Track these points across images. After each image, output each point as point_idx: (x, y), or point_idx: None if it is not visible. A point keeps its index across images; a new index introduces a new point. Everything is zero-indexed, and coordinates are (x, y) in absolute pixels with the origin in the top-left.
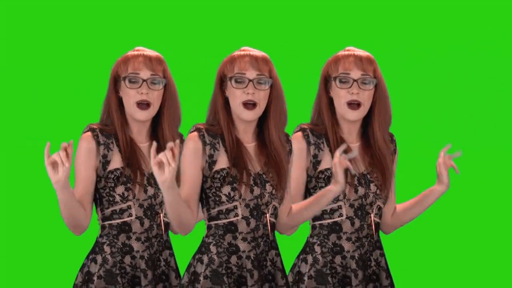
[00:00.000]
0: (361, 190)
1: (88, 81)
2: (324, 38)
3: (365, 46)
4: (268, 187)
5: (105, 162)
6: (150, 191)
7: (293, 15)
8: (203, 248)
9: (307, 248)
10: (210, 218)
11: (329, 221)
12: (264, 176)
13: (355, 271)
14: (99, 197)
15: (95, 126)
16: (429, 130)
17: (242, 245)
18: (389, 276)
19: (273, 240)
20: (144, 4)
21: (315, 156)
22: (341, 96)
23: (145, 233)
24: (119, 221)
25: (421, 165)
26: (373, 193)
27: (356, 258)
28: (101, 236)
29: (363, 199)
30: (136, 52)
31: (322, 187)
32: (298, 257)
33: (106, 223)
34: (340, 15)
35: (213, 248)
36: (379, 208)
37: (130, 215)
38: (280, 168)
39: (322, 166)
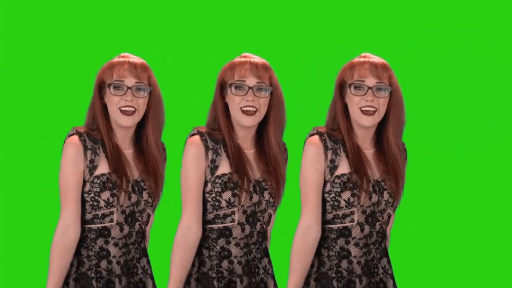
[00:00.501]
0: (374, 197)
1: (76, 83)
2: (327, 42)
3: (367, 49)
4: (266, 194)
5: (92, 167)
6: (134, 198)
7: (294, 19)
8: (196, 251)
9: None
10: (205, 222)
11: (339, 225)
12: (263, 183)
13: (360, 276)
14: (82, 201)
15: (81, 130)
16: (434, 135)
17: (235, 250)
18: (395, 285)
19: (265, 248)
20: (140, 8)
21: (332, 161)
22: (355, 102)
23: (124, 239)
24: (99, 225)
25: (425, 169)
26: (385, 200)
27: (362, 263)
28: (79, 239)
29: (376, 206)
30: (121, 59)
31: (337, 192)
32: None
33: (85, 226)
34: (342, 18)
35: (204, 251)
36: (389, 216)
37: (111, 220)
38: (279, 175)
39: (338, 171)
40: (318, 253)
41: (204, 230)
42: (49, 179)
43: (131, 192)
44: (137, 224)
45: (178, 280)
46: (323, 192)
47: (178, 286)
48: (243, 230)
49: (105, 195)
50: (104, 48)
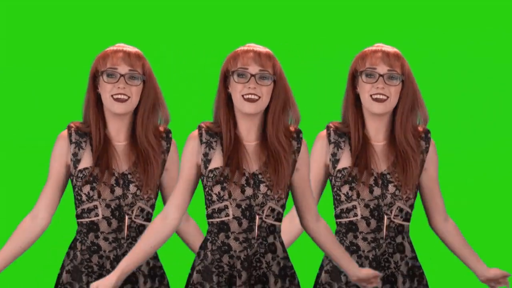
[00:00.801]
0: (377, 191)
1: (74, 82)
2: (332, 36)
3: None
4: (262, 187)
5: (76, 160)
6: (118, 191)
7: (304, 13)
8: (203, 243)
9: None
10: (207, 216)
11: (346, 220)
12: (260, 176)
13: None
14: (74, 196)
15: (72, 125)
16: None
17: (234, 245)
18: (408, 281)
19: (272, 243)
20: (143, 4)
21: (334, 154)
22: (366, 90)
23: (113, 233)
24: (87, 220)
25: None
26: (391, 194)
27: (370, 258)
28: (76, 232)
29: (380, 200)
30: (115, 48)
31: (338, 186)
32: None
33: (78, 220)
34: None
35: (209, 245)
36: (401, 210)
37: (97, 214)
38: (278, 166)
39: (340, 165)
40: None
41: (208, 224)
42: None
43: (114, 185)
44: (127, 218)
45: (128, 260)
46: (330, 186)
47: (125, 267)
48: (240, 224)
49: (86, 188)
50: (105, 47)
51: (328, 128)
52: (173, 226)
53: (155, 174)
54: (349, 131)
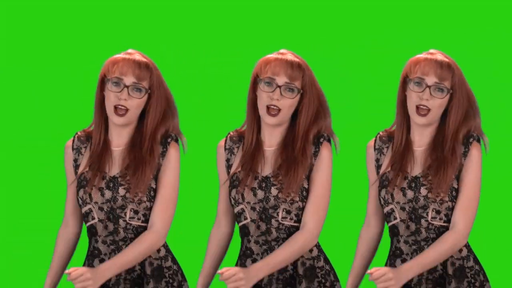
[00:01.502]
0: (409, 194)
1: (82, 84)
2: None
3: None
4: (273, 190)
5: (76, 166)
6: (108, 194)
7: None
8: (240, 251)
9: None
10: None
11: (389, 224)
12: (271, 179)
13: None
14: None
15: (79, 133)
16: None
17: (255, 248)
18: (454, 281)
19: None
20: (153, 6)
21: (377, 160)
22: (412, 98)
23: (110, 236)
24: (87, 224)
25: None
26: (423, 196)
27: None
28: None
29: (414, 203)
30: (126, 56)
31: (379, 190)
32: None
33: (86, 225)
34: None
35: (240, 251)
36: (438, 212)
37: (93, 218)
38: (291, 169)
39: (381, 170)
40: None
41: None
42: (51, 180)
43: (104, 188)
44: (121, 220)
45: (205, 272)
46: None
47: (206, 279)
48: (258, 227)
49: (80, 192)
50: (116, 49)
51: (376, 136)
52: (225, 233)
53: (146, 177)
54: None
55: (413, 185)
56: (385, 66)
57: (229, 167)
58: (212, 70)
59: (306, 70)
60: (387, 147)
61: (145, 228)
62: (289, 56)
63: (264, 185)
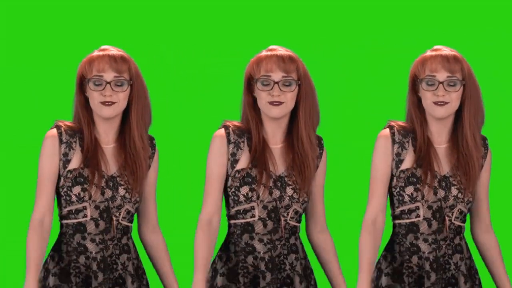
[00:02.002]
0: (440, 193)
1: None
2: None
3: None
4: (289, 190)
5: (66, 160)
6: (108, 193)
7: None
8: (223, 246)
9: (388, 246)
10: (230, 217)
11: (407, 221)
12: (286, 179)
13: (428, 272)
14: (58, 196)
15: (61, 124)
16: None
17: (258, 246)
18: (469, 281)
19: (294, 244)
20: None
21: (398, 154)
22: (428, 97)
23: (100, 235)
24: (74, 221)
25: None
26: (454, 196)
27: (431, 259)
28: (60, 234)
29: (442, 202)
30: (101, 53)
31: (401, 186)
32: (382, 254)
33: (63, 221)
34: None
35: (231, 247)
36: (461, 212)
37: (85, 216)
38: (304, 169)
39: (403, 166)
40: (390, 249)
41: (229, 225)
42: (29, 175)
43: (105, 187)
44: (114, 220)
45: (202, 268)
46: (391, 186)
47: (203, 275)
48: (265, 225)
49: (76, 189)
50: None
51: (391, 127)
52: (218, 226)
53: (142, 177)
54: (413, 131)
55: (444, 184)
56: (384, 66)
57: (234, 161)
58: (202, 70)
59: (299, 61)
60: (408, 142)
61: (130, 229)
62: (280, 51)
63: (279, 184)
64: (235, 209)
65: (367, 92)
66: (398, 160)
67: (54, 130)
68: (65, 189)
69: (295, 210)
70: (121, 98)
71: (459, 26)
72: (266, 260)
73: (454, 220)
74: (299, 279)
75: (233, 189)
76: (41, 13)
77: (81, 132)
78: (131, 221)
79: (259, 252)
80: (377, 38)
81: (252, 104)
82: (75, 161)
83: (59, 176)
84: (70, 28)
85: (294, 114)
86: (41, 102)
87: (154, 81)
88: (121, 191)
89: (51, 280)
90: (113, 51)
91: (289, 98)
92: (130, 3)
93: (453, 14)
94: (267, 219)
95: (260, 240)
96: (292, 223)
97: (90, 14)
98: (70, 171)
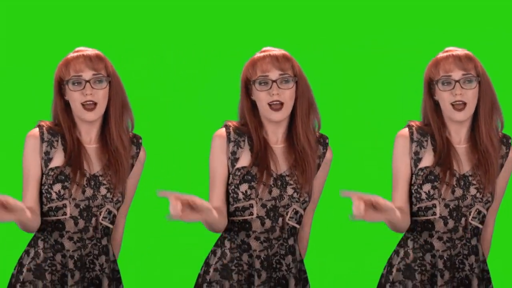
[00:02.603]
0: (458, 192)
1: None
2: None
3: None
4: (289, 189)
5: (47, 159)
6: (88, 192)
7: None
8: (219, 241)
9: (402, 242)
10: (229, 214)
11: (423, 218)
12: (287, 178)
13: (441, 271)
14: (40, 193)
15: (43, 123)
16: None
17: (254, 244)
18: (483, 284)
19: (292, 246)
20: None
21: (416, 153)
22: (445, 98)
23: (79, 233)
24: (53, 218)
25: None
26: (472, 195)
27: (445, 258)
28: (38, 230)
29: (460, 201)
30: (76, 54)
31: (419, 184)
32: (394, 249)
33: (43, 218)
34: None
35: (227, 243)
36: (479, 212)
37: (65, 213)
38: (305, 169)
39: (422, 164)
40: (404, 244)
41: (227, 223)
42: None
43: (86, 186)
44: (93, 219)
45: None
46: (409, 184)
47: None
48: (263, 224)
49: (57, 187)
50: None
51: (410, 127)
52: (225, 219)
53: (125, 177)
54: (432, 131)
55: (462, 183)
56: (384, 66)
57: (234, 160)
58: (202, 70)
59: (293, 60)
60: (426, 141)
61: (111, 230)
62: (273, 51)
63: (279, 183)
64: (234, 206)
65: (367, 92)
66: (417, 159)
67: (36, 130)
68: (46, 187)
69: (294, 210)
70: (101, 97)
71: (459, 26)
72: (262, 258)
73: (472, 220)
74: (295, 281)
75: (232, 187)
76: (41, 13)
77: (63, 132)
78: (112, 222)
79: (254, 250)
80: (377, 38)
81: (251, 108)
82: (57, 160)
83: (42, 175)
84: (70, 28)
85: (292, 113)
86: (24, 104)
87: (154, 81)
88: (103, 190)
89: (25, 275)
90: (88, 51)
91: (288, 97)
92: (130, 3)
93: (453, 14)
94: (265, 217)
95: (257, 238)
96: (291, 223)
97: (90, 14)
98: (52, 169)
